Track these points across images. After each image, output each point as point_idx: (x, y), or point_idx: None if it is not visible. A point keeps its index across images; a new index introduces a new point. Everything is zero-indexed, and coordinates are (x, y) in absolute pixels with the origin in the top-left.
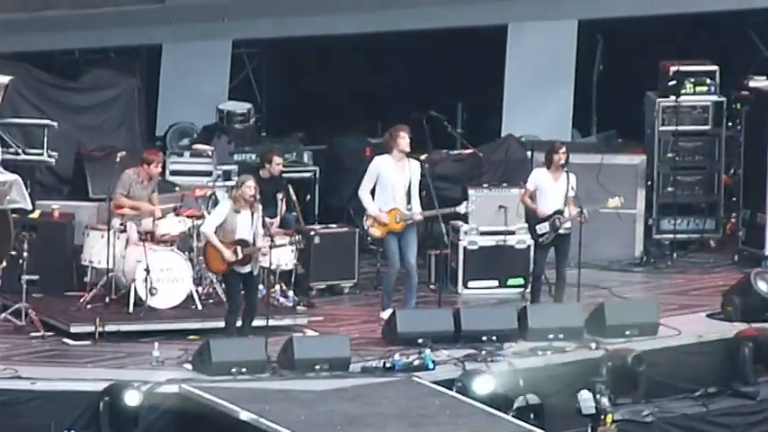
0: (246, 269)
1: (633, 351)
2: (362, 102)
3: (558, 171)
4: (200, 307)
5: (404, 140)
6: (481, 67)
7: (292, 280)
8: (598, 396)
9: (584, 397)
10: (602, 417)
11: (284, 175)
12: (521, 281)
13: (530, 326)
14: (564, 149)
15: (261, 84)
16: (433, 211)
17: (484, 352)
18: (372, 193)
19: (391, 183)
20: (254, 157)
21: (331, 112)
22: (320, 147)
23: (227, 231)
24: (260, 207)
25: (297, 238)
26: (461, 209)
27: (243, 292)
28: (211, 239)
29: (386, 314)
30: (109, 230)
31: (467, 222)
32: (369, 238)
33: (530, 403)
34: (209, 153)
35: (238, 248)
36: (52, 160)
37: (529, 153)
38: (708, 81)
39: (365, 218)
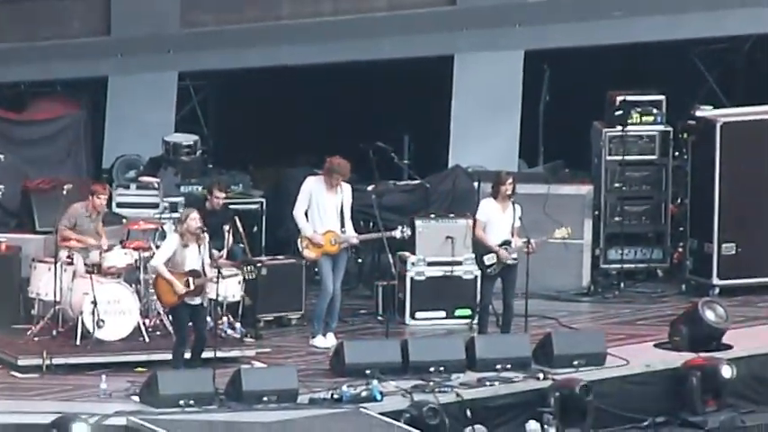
0: (197, 301)
1: (581, 381)
2: (309, 133)
3: (505, 201)
4: (147, 339)
5: (336, 178)
6: (428, 98)
7: (240, 311)
8: (546, 426)
9: (532, 427)
10: None
11: (231, 206)
12: (468, 311)
13: (477, 356)
14: (511, 180)
15: (207, 115)
16: (368, 235)
17: (432, 383)
18: (306, 214)
19: (323, 205)
20: (200, 188)
21: (278, 143)
22: (267, 177)
23: (177, 264)
24: (206, 238)
25: (249, 268)
26: (397, 233)
27: (191, 324)
28: (162, 273)
29: (317, 341)
30: (56, 263)
31: (413, 250)
32: (315, 270)
33: None
34: (156, 185)
35: (190, 279)
36: None
37: (476, 184)
38: (654, 111)
39: (300, 239)
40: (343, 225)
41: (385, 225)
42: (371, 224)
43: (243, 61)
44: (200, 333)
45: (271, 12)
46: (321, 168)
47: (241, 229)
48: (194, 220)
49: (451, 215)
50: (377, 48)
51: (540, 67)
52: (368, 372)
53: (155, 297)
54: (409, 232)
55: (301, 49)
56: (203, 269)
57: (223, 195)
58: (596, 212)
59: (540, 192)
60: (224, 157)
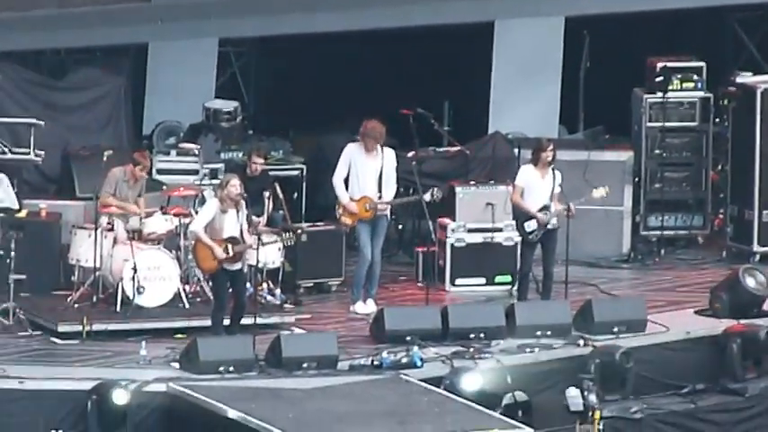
0: (236, 267)
1: (621, 348)
2: (349, 99)
3: (544, 168)
4: (187, 305)
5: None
6: (468, 65)
7: (280, 278)
8: (586, 393)
9: (572, 394)
10: (590, 413)
11: (271, 173)
12: (508, 278)
13: (517, 323)
14: (551, 146)
15: (247, 82)
16: (399, 200)
17: (472, 349)
18: (347, 181)
19: (362, 170)
20: (240, 155)
21: (318, 109)
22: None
23: (215, 230)
24: (244, 204)
25: (288, 235)
26: (427, 197)
27: (230, 290)
28: (202, 237)
29: (357, 307)
30: (96, 229)
31: (453, 217)
32: (355, 236)
33: (518, 400)
34: (196, 151)
35: (229, 246)
36: (39, 159)
37: (516, 150)
38: (694, 77)
39: (336, 206)
40: (380, 190)
41: (424, 191)
42: (411, 190)
43: (283, 27)
44: (239, 299)
45: None
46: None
47: (281, 196)
48: (234, 186)
49: (491, 182)
50: (417, 14)
51: (581, 33)
52: (408, 338)
53: (194, 263)
54: (440, 195)
55: (341, 16)
56: (242, 235)
57: (262, 161)
58: (636, 179)
59: (580, 158)
60: (264, 123)
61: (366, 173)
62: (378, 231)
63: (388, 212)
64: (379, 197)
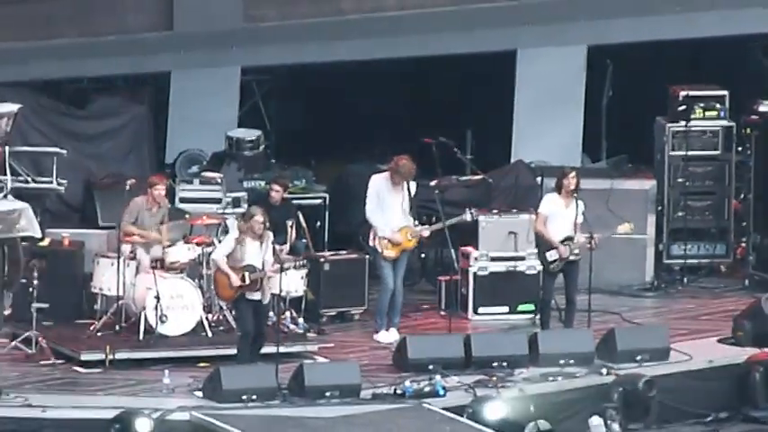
0: (256, 296)
1: (644, 376)
2: (372, 128)
3: (568, 197)
4: (210, 334)
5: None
6: (491, 93)
7: (302, 307)
8: (609, 422)
9: (595, 423)
10: None
11: (294, 201)
12: (531, 306)
13: (540, 351)
14: (574, 175)
15: (270, 111)
16: (440, 225)
17: (495, 378)
18: None
19: (388, 203)
20: (263, 184)
21: (340, 138)
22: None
23: (236, 260)
24: (270, 235)
25: (301, 261)
26: (467, 216)
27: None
28: (221, 265)
29: (380, 336)
30: (119, 258)
31: (476, 245)
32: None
33: (540, 429)
34: (219, 180)
35: (246, 273)
36: (62, 188)
37: (539, 179)
38: (717, 106)
39: (376, 240)
40: (407, 220)
41: (448, 220)
42: (434, 219)
43: (305, 56)
44: (259, 329)
45: (333, 6)
46: (384, 163)
47: (304, 225)
48: (258, 222)
49: (514, 210)
50: (440, 43)
51: (603, 62)
52: (431, 367)
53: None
54: (477, 215)
55: (363, 44)
56: (263, 265)
57: (280, 190)
58: (659, 207)
59: (603, 187)
60: (286, 152)
61: (393, 205)
62: (400, 261)
63: None
64: (416, 224)
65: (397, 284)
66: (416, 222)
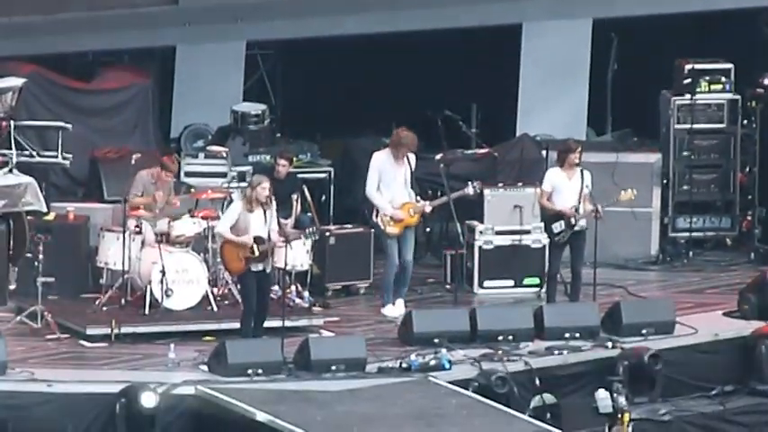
0: (261, 267)
1: (650, 350)
2: (377, 102)
3: (572, 169)
4: (215, 308)
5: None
6: (496, 67)
7: (308, 281)
8: (615, 395)
9: (602, 396)
10: (620, 416)
11: (299, 175)
12: (536, 280)
13: (546, 325)
14: (579, 149)
15: (275, 85)
16: (443, 199)
17: (500, 351)
18: None
19: (391, 178)
20: (268, 158)
21: (345, 112)
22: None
23: (241, 230)
24: (274, 205)
25: (311, 229)
26: (469, 190)
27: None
28: (228, 236)
29: (386, 310)
30: (124, 232)
31: (481, 219)
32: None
33: (546, 403)
34: (224, 154)
35: (254, 246)
36: (67, 162)
37: (544, 152)
38: (722, 79)
39: (379, 216)
40: (410, 195)
41: (461, 187)
42: (439, 193)
43: (310, 30)
44: (262, 301)
45: None
46: (389, 138)
47: (309, 198)
48: (264, 188)
49: (519, 184)
50: (445, 16)
51: (608, 36)
52: (436, 341)
53: (222, 266)
54: (480, 188)
55: (369, 18)
56: (269, 235)
57: (285, 164)
58: (665, 181)
59: (608, 160)
60: (292, 126)
61: (395, 180)
62: (408, 237)
63: None
64: (418, 200)
65: (407, 258)
66: (418, 197)
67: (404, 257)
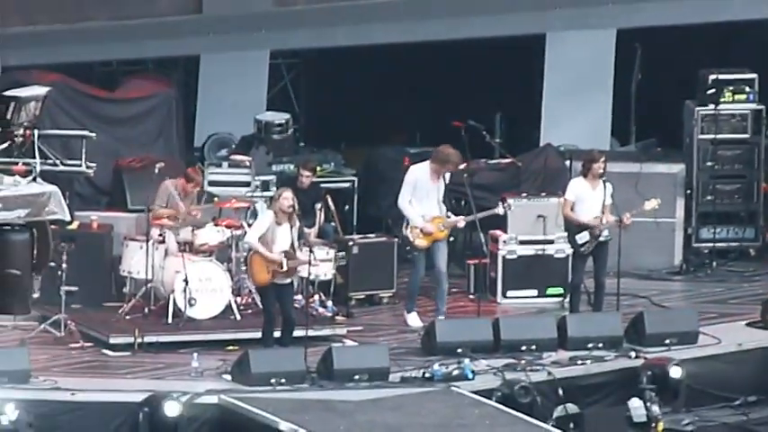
0: (286, 281)
1: (673, 360)
2: (401, 112)
3: (595, 180)
4: (238, 317)
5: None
6: (520, 77)
7: (331, 290)
8: (648, 404)
9: (635, 405)
10: (654, 425)
11: (322, 185)
12: (560, 290)
13: (569, 335)
14: (603, 159)
15: (299, 94)
16: (472, 216)
17: (523, 361)
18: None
19: (426, 193)
20: (292, 167)
21: (369, 121)
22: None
23: (267, 243)
24: (298, 220)
25: (340, 255)
26: (499, 210)
27: (278, 304)
28: (257, 247)
29: (410, 319)
30: (147, 241)
31: (505, 229)
32: (408, 248)
33: (569, 413)
34: (248, 163)
35: (284, 260)
36: (90, 171)
37: (567, 162)
38: (746, 89)
39: (409, 228)
40: (441, 210)
41: (478, 204)
42: (463, 203)
43: (334, 40)
44: (287, 314)
45: None
46: (413, 147)
47: (333, 208)
48: (286, 199)
49: (543, 194)
50: (469, 26)
51: (632, 46)
52: (459, 350)
53: (246, 275)
54: (511, 207)
55: (393, 28)
56: (293, 249)
57: (308, 174)
58: (688, 191)
59: (632, 170)
60: (316, 135)
61: (430, 195)
62: (440, 247)
63: None
64: (448, 216)
65: (441, 270)
66: (449, 213)
67: (438, 269)
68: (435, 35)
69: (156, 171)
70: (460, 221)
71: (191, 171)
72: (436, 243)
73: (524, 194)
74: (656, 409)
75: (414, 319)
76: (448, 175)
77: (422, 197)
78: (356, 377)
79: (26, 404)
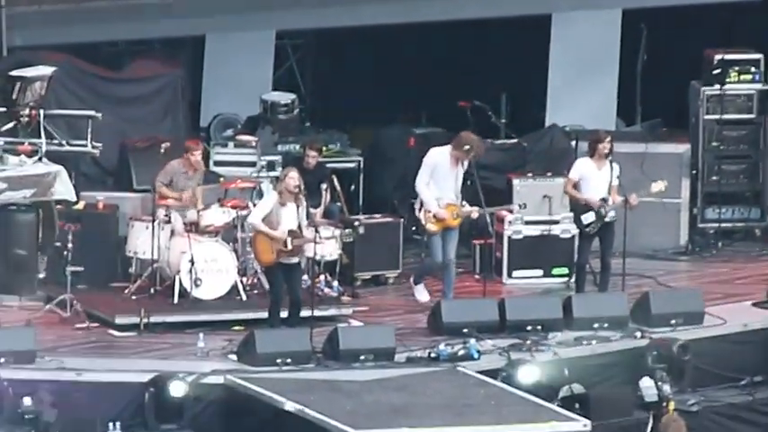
0: (293, 260)
1: (678, 340)
2: (407, 92)
3: (601, 160)
4: (244, 298)
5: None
6: (525, 57)
7: (337, 270)
8: (660, 383)
9: (647, 384)
10: (665, 404)
11: (328, 165)
12: (565, 270)
13: (575, 315)
14: (608, 139)
15: (305, 74)
16: (486, 209)
17: (529, 341)
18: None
19: (444, 178)
20: (297, 147)
21: (375, 101)
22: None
23: (273, 223)
24: (304, 200)
25: (347, 231)
26: (514, 209)
27: (285, 284)
28: (261, 227)
29: (417, 290)
30: (153, 221)
31: (510, 211)
32: (413, 228)
33: (575, 393)
34: (254, 144)
35: (288, 239)
36: (96, 151)
37: (573, 143)
38: (752, 69)
39: (422, 212)
40: (457, 196)
41: (483, 184)
42: (469, 182)
43: (340, 20)
44: (294, 294)
45: None
46: (418, 127)
47: (338, 188)
48: (292, 178)
49: (548, 174)
50: (475, 6)
51: (638, 26)
52: (465, 330)
53: (252, 256)
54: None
55: (399, 8)
56: (300, 229)
57: (314, 154)
58: (694, 171)
59: (637, 150)
60: (321, 115)
61: (448, 180)
62: (452, 235)
63: None
64: (462, 205)
65: (450, 257)
66: (464, 202)
67: (447, 256)
68: (442, 15)
69: (162, 151)
70: (474, 212)
71: (189, 141)
72: (448, 230)
73: (530, 174)
74: (666, 388)
75: (421, 293)
76: (466, 163)
77: (438, 181)
78: (362, 357)
79: (48, 384)
